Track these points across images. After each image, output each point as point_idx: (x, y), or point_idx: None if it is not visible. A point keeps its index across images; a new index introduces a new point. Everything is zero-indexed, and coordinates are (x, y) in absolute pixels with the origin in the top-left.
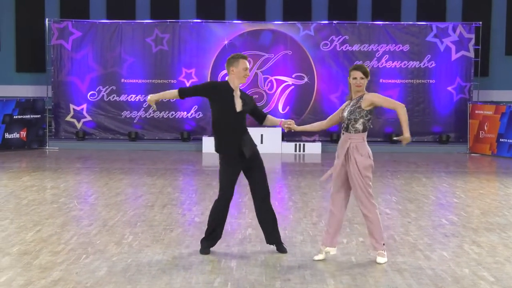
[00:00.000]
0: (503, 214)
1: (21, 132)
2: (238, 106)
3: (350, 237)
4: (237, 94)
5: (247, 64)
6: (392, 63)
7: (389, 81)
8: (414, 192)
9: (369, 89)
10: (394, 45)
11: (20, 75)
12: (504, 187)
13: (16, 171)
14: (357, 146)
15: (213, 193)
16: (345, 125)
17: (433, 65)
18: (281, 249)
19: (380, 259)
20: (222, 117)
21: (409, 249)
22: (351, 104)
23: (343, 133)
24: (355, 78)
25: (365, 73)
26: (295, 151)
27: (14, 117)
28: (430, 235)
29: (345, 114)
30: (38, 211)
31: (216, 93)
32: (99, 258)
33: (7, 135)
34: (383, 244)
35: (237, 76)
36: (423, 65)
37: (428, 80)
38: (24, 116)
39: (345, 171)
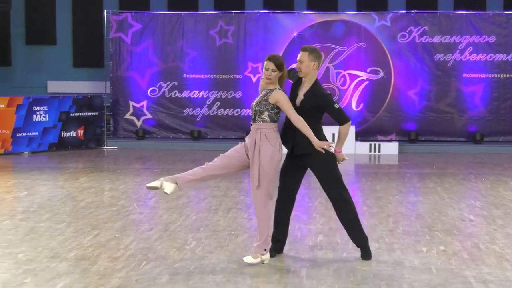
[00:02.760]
0: None
1: (78, 131)
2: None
3: (430, 245)
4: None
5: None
6: (477, 56)
7: (473, 75)
8: (501, 197)
9: (450, 84)
10: (478, 36)
11: (77, 70)
12: None
13: (72, 171)
14: (266, 136)
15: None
16: (252, 116)
17: None
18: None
19: (249, 259)
20: None
21: (495, 259)
22: (261, 94)
23: (251, 124)
24: (266, 69)
25: (279, 66)
26: (370, 151)
27: (71, 114)
28: None
29: (253, 104)
30: (96, 214)
31: None
32: (160, 264)
33: (63, 134)
34: (265, 250)
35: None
36: (511, 58)
37: None
38: (82, 114)
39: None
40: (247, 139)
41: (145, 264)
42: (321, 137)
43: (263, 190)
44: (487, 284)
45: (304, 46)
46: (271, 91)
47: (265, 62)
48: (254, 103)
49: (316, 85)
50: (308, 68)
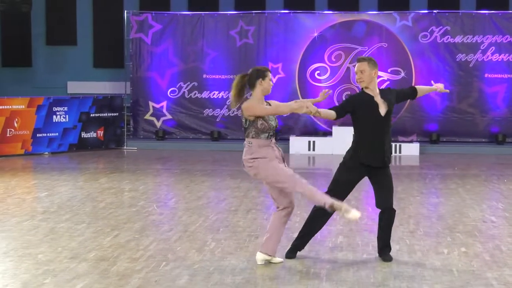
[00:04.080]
0: None
1: (98, 131)
2: None
3: (451, 247)
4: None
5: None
6: (499, 56)
7: (496, 75)
8: None
9: (472, 85)
10: (501, 36)
11: (97, 70)
12: None
13: (92, 172)
14: None
15: (301, 198)
16: (273, 133)
17: None
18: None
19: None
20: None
21: None
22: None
23: (272, 140)
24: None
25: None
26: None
27: (91, 115)
28: None
29: (273, 123)
30: (116, 215)
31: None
32: (180, 265)
33: (83, 134)
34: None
35: None
36: None
37: None
38: (102, 114)
39: None
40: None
41: (165, 265)
42: None
43: None
44: (509, 286)
45: (361, 57)
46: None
47: (268, 74)
48: (274, 123)
49: (380, 90)
50: (370, 77)
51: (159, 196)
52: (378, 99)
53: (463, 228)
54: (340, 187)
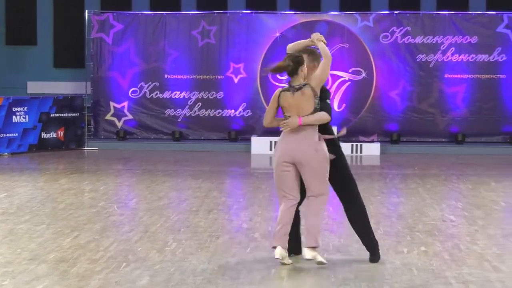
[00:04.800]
0: None
1: (58, 132)
2: None
3: (411, 246)
4: None
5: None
6: (459, 56)
7: (455, 76)
8: (482, 198)
9: (432, 85)
10: (461, 37)
11: (57, 70)
12: None
13: (53, 173)
14: None
15: (262, 197)
16: None
17: (504, 58)
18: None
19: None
20: None
21: (476, 260)
22: None
23: None
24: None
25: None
26: (352, 152)
27: (51, 115)
28: (499, 244)
29: None
30: (76, 216)
31: None
32: (140, 266)
33: (43, 135)
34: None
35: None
36: (493, 58)
37: (499, 75)
38: (62, 115)
39: None
40: None
41: (125, 266)
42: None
43: None
44: (468, 285)
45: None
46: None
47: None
48: None
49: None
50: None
51: (119, 196)
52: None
53: (422, 227)
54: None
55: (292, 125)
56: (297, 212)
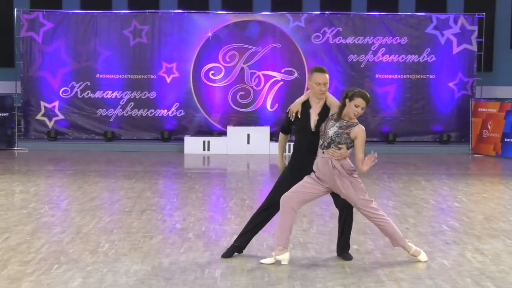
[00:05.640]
0: (507, 219)
1: None
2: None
3: None
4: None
5: (321, 78)
6: (389, 57)
7: (386, 76)
8: (413, 196)
9: (363, 85)
10: (391, 37)
11: None
12: (509, 190)
13: None
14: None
15: (196, 197)
16: (325, 143)
17: (433, 59)
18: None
19: None
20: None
21: (407, 258)
22: (339, 124)
23: (323, 152)
24: (357, 106)
25: (368, 102)
26: (287, 152)
27: None
28: (429, 242)
29: (329, 131)
30: (6, 218)
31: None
32: (72, 268)
33: None
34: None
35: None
36: (422, 59)
37: (428, 75)
38: None
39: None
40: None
41: (57, 268)
42: None
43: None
44: (399, 283)
45: (322, 68)
46: (353, 125)
47: (357, 100)
48: (331, 132)
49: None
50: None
51: (51, 197)
52: (313, 112)
53: (355, 226)
54: None
55: None
56: (350, 217)
